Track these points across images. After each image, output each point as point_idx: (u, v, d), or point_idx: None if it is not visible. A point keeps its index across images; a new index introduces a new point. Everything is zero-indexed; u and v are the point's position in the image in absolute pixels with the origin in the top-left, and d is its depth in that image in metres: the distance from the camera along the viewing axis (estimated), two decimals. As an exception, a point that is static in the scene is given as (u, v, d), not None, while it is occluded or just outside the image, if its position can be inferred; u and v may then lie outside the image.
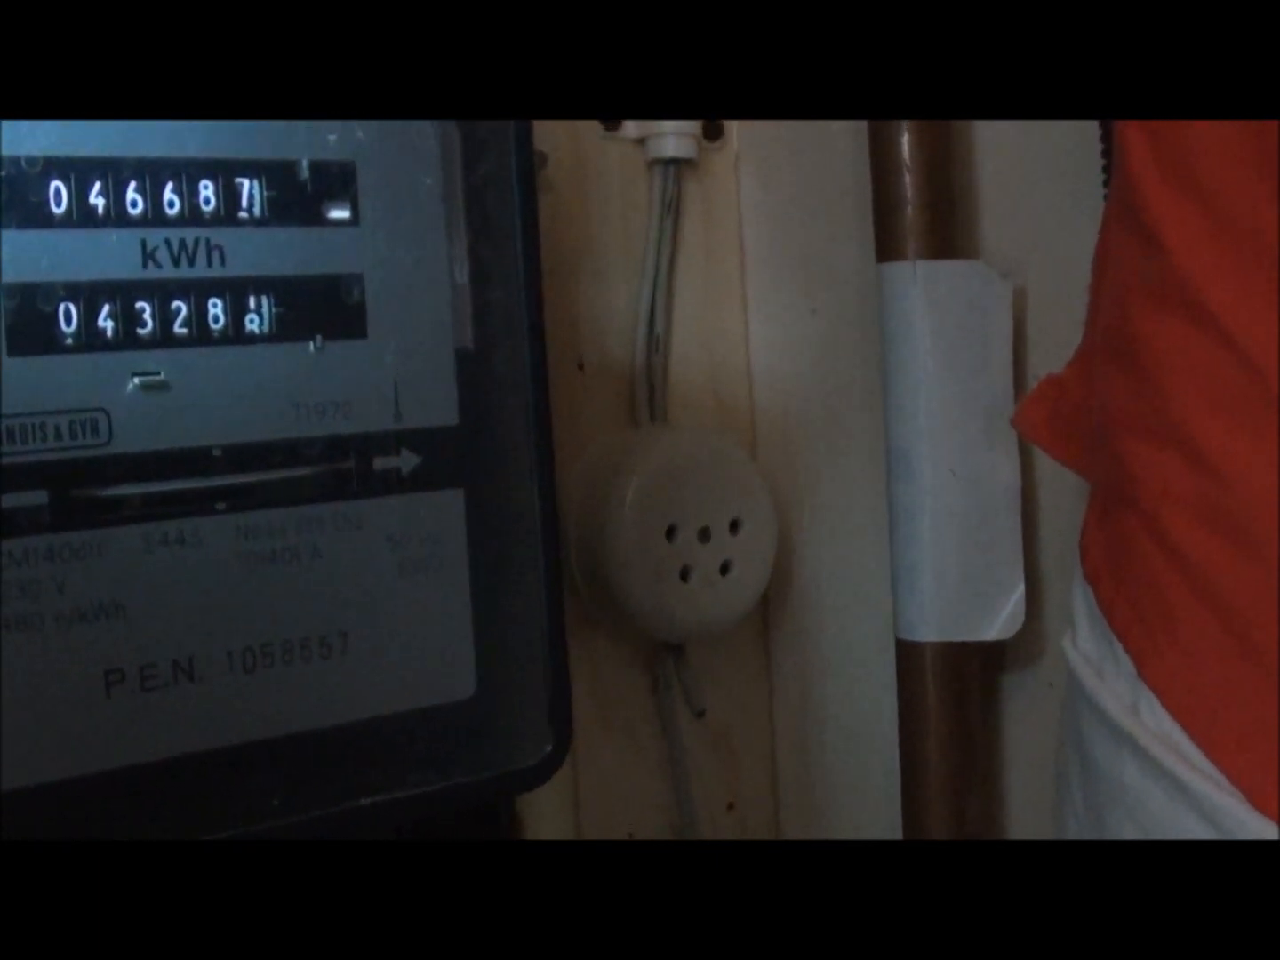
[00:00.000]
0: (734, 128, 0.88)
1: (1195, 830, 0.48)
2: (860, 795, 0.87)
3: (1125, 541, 0.53)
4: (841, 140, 0.82)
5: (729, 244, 0.88)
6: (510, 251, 0.55)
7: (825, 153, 0.84)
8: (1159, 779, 0.51)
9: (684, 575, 0.80)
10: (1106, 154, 0.67)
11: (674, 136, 0.83)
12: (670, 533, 0.80)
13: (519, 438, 0.56)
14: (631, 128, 0.84)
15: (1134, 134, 0.51)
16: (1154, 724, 0.51)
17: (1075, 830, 0.56)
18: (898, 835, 0.79)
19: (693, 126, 0.84)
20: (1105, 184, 0.68)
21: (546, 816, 0.76)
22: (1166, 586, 0.51)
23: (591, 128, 0.83)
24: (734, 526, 0.82)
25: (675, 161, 0.84)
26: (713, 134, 0.87)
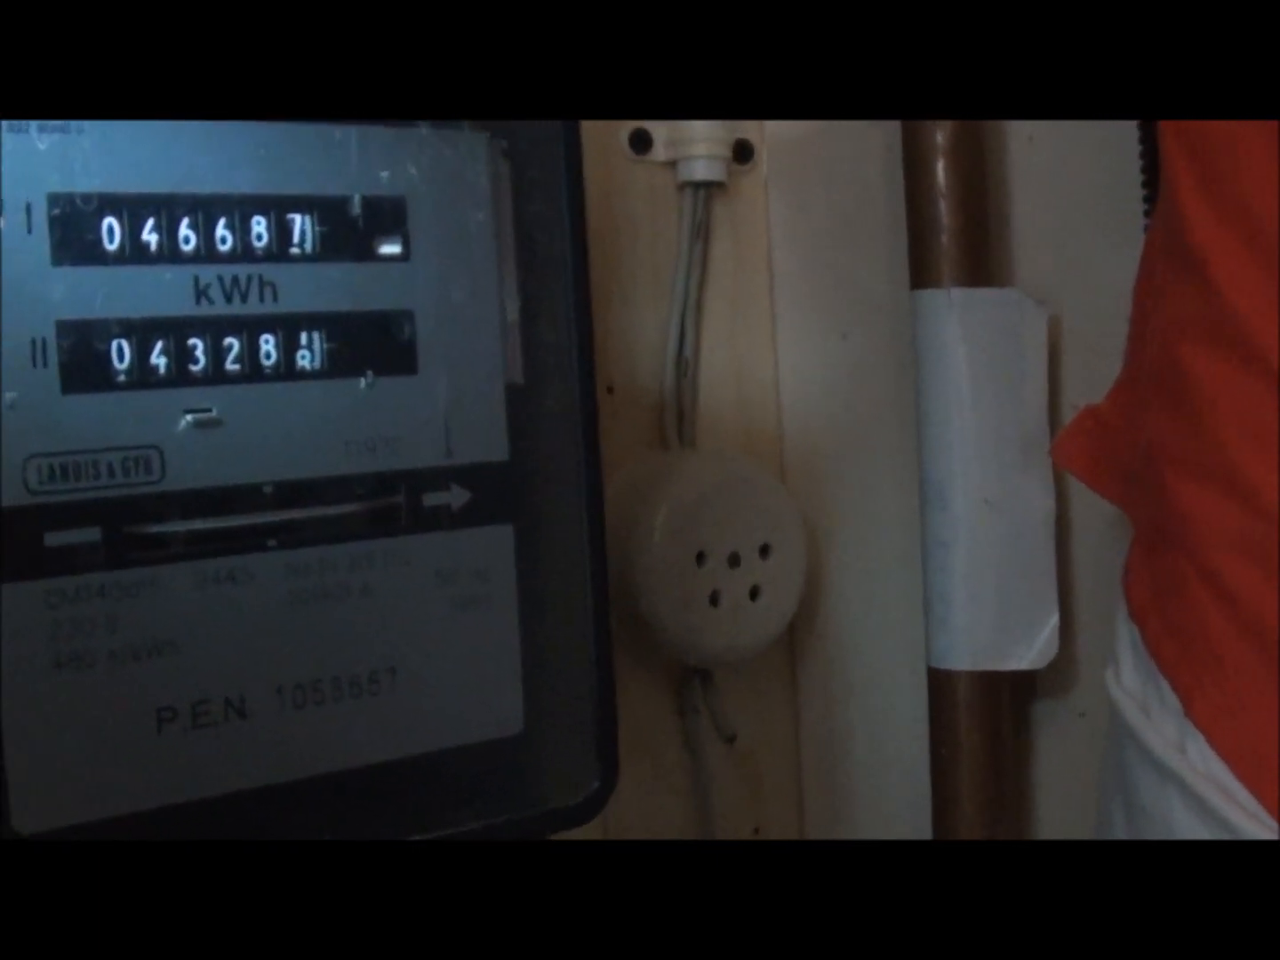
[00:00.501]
0: (763, 151, 0.88)
1: (1242, 869, 0.48)
2: (886, 823, 0.87)
3: (1172, 580, 0.53)
4: (872, 164, 0.82)
5: (758, 267, 0.88)
6: (560, 286, 0.55)
7: (855, 176, 0.84)
8: (1205, 818, 0.50)
9: (713, 600, 0.80)
10: (1148, 184, 0.67)
11: (704, 159, 0.83)
12: (700, 558, 0.80)
13: (568, 473, 0.56)
14: (661, 150, 0.84)
15: (1182, 168, 0.51)
16: (1201, 763, 0.51)
17: (1117, 866, 0.56)
18: (925, 861, 0.79)
19: (722, 149, 0.84)
20: (1146, 214, 0.68)
21: (574, 839, 0.76)
22: (1214, 626, 0.51)
23: (621, 150, 0.82)
24: (764, 551, 0.82)
25: (705, 184, 0.84)
26: (742, 157, 0.87)
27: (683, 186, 0.84)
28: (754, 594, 0.82)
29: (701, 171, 0.84)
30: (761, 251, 0.88)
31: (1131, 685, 0.56)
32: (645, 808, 0.85)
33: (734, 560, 0.81)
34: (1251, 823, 0.48)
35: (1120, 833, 0.56)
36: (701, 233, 0.85)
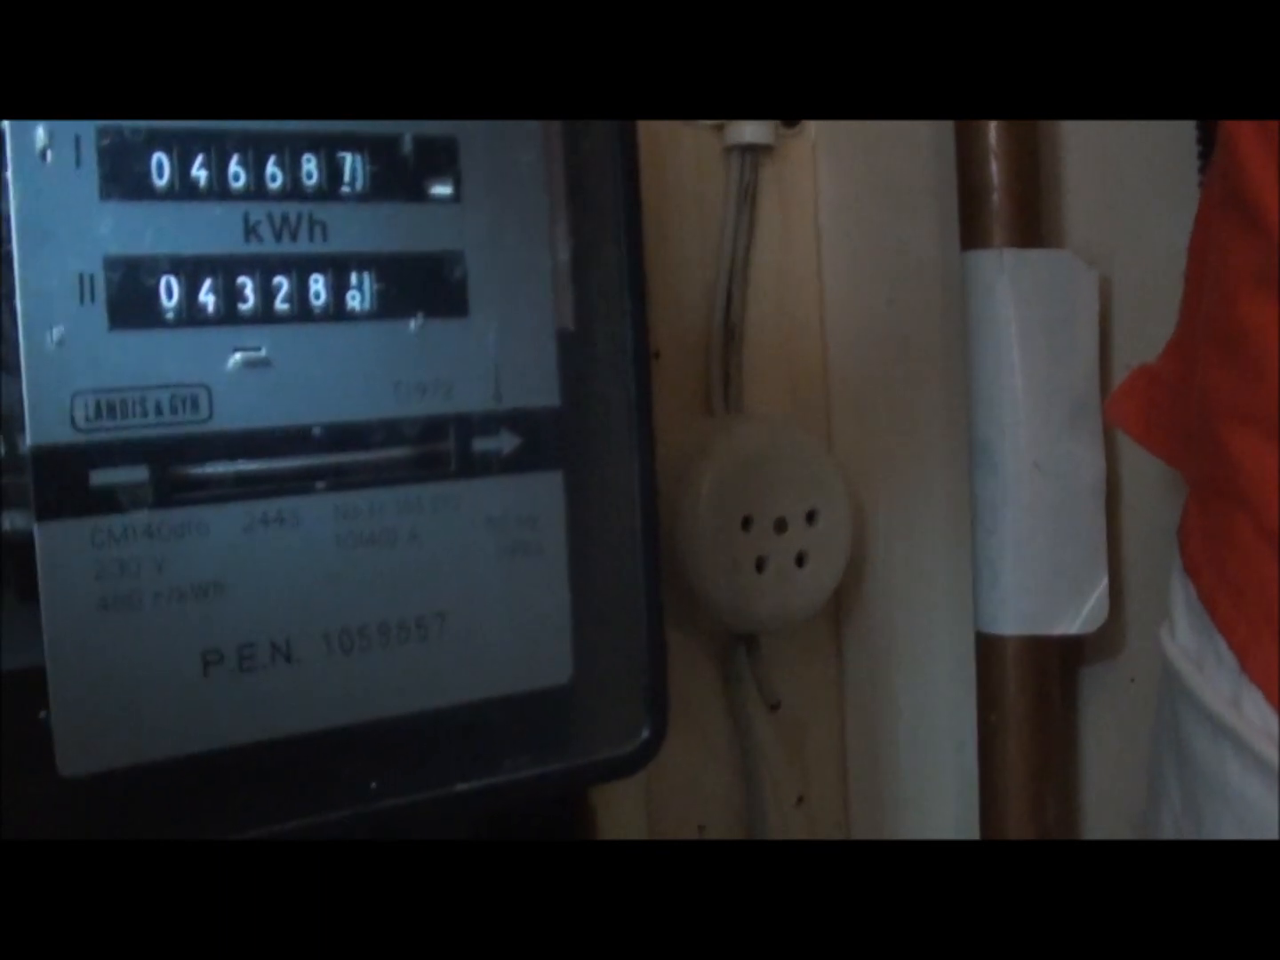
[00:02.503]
0: (811, 114, 0.87)
1: (1298, 824, 0.48)
2: (931, 790, 0.87)
3: (1228, 534, 0.52)
4: (920, 126, 0.81)
5: (805, 231, 0.88)
6: (612, 231, 0.54)
7: (904, 139, 0.83)
8: (1262, 773, 0.50)
9: (759, 566, 0.80)
10: (1203, 141, 0.66)
11: (751, 123, 0.83)
12: (746, 523, 0.79)
13: (620, 420, 0.55)
14: (709, 113, 0.83)
15: (1242, 122, 0.50)
16: (1257, 718, 0.50)
17: (1171, 827, 0.55)
18: (968, 830, 0.79)
19: (770, 112, 0.84)
20: (1200, 170, 0.67)
21: (618, 806, 0.76)
22: (1271, 580, 0.50)
23: (668, 113, 0.82)
24: (810, 517, 0.81)
25: (752, 148, 0.84)
26: (790, 120, 0.86)
27: (730, 150, 0.84)
28: (800, 560, 0.81)
29: (749, 134, 0.83)
30: (809, 215, 0.88)
31: (1186, 641, 0.55)
32: (688, 774, 0.84)
33: (780, 526, 0.80)
34: (1309, 778, 0.48)
35: (1173, 791, 0.56)
36: (749, 196, 0.84)
